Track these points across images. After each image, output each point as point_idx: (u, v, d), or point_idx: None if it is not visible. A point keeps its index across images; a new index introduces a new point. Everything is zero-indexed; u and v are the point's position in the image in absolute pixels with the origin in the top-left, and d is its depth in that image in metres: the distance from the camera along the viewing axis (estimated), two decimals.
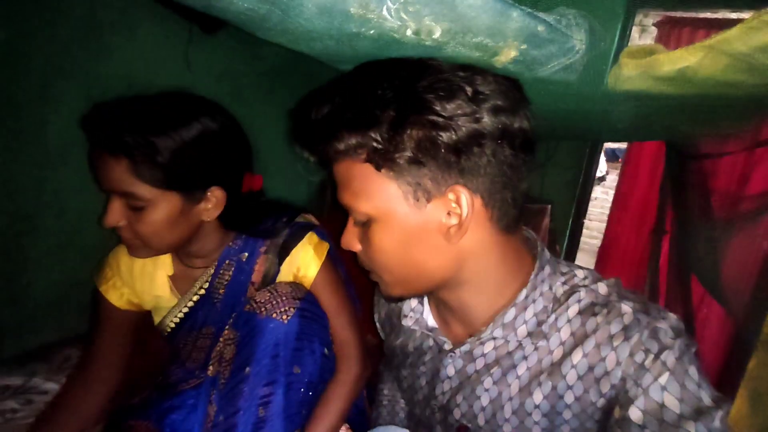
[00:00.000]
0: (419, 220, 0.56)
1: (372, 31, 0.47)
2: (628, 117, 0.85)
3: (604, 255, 1.98)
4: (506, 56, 0.52)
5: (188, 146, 0.77)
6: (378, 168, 0.54)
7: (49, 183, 1.01)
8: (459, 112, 0.51)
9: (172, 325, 0.93)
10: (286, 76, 1.46)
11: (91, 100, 1.02)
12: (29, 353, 1.11)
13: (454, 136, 0.51)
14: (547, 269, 0.65)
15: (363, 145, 0.53)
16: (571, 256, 1.94)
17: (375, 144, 0.52)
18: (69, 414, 0.89)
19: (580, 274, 0.66)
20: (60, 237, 1.06)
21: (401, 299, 0.64)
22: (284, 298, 0.81)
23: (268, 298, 0.81)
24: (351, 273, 1.06)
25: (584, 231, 2.27)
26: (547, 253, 0.67)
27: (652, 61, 0.51)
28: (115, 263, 0.92)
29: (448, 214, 0.56)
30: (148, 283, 0.92)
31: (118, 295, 0.91)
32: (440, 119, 0.50)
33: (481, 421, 0.65)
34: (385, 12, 0.43)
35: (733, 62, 0.48)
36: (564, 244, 1.97)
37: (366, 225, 0.59)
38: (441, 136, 0.51)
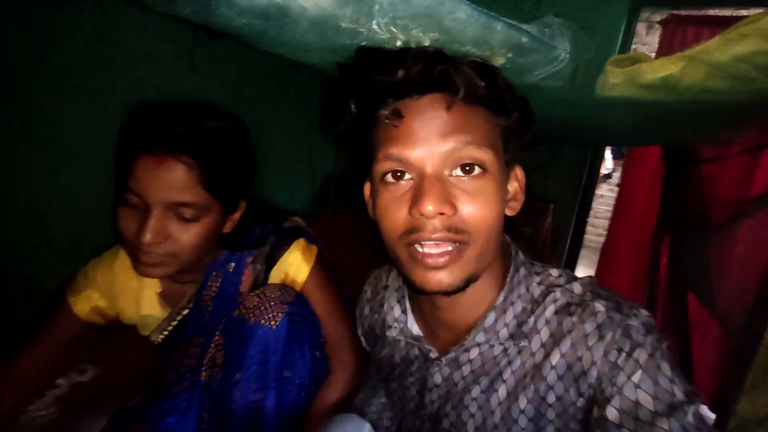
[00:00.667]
0: (505, 186, 0.61)
1: (364, 43, 0.49)
2: (623, 123, 0.86)
3: (606, 253, 1.97)
4: (494, 63, 0.54)
5: (238, 154, 0.78)
6: (496, 122, 0.58)
7: (61, 183, 1.04)
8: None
9: (162, 337, 0.93)
10: (292, 80, 1.48)
11: (99, 103, 1.05)
12: None
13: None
14: (522, 271, 0.66)
15: (493, 89, 0.55)
16: (573, 255, 1.94)
17: (501, 93, 0.56)
18: None
19: (554, 273, 0.67)
20: (72, 236, 1.09)
21: (462, 288, 0.59)
22: (273, 303, 0.81)
23: (256, 303, 0.81)
24: (346, 272, 1.07)
25: (590, 228, 2.27)
26: (521, 256, 0.68)
27: (635, 69, 0.53)
28: (92, 276, 0.90)
29: (509, 189, 0.62)
30: (133, 302, 0.91)
31: (87, 307, 0.89)
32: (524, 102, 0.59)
33: (470, 429, 0.65)
34: (374, 26, 0.45)
35: (713, 71, 0.49)
36: (567, 242, 1.97)
37: (474, 178, 0.56)
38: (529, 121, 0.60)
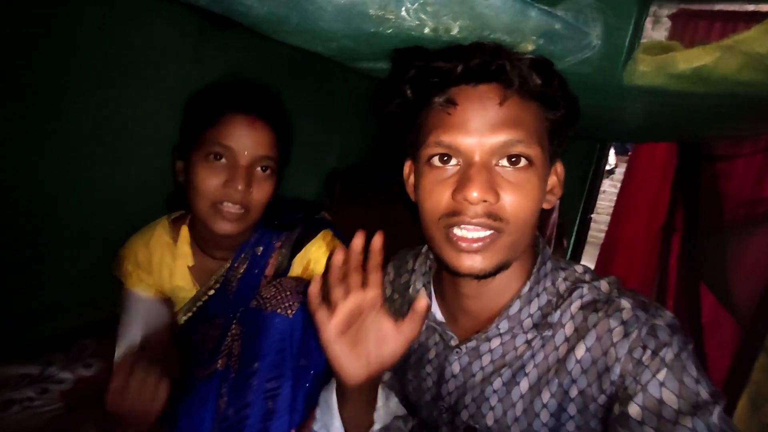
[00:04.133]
0: (545, 180, 0.62)
1: (390, 30, 0.47)
2: (642, 115, 0.85)
3: (606, 250, 1.96)
4: (523, 50, 0.53)
5: (291, 126, 0.91)
6: (547, 117, 0.59)
7: (68, 179, 1.03)
8: None
9: (190, 314, 0.94)
10: (298, 72, 1.46)
11: (107, 96, 1.03)
12: (46, 343, 1.13)
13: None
14: (549, 264, 0.67)
15: (548, 87, 0.56)
16: (578, 250, 1.94)
17: (553, 93, 0.57)
18: None
19: (579, 269, 0.68)
20: (79, 231, 1.08)
21: (493, 273, 0.60)
22: (289, 293, 0.82)
23: (273, 293, 0.82)
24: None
25: (593, 224, 2.26)
26: (548, 250, 0.68)
27: (668, 58, 0.51)
28: (133, 256, 0.93)
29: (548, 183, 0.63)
30: (167, 275, 0.93)
31: (145, 286, 0.93)
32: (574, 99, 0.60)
33: (489, 421, 0.65)
34: (403, 12, 0.43)
35: (749, 62, 0.48)
36: (572, 238, 1.97)
37: (520, 170, 0.58)
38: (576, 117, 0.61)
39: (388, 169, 0.69)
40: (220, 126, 0.79)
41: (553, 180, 0.66)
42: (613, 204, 2.07)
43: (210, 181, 0.80)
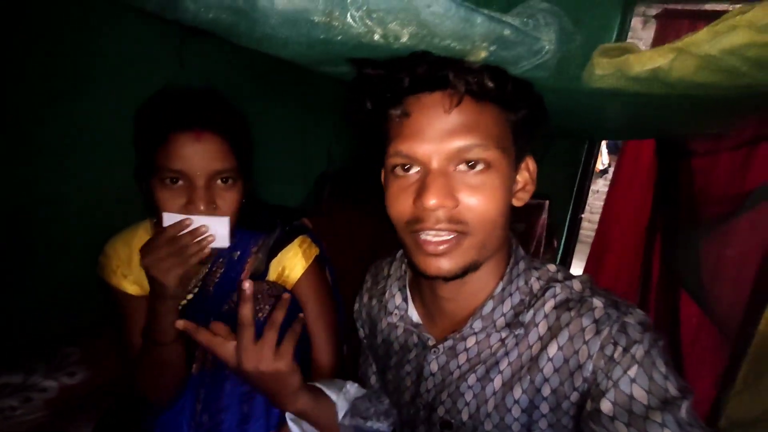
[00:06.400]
0: (512, 180, 0.62)
1: (339, 37, 0.47)
2: (616, 115, 0.84)
3: (596, 250, 1.96)
4: (476, 57, 0.52)
5: (247, 128, 0.87)
6: (507, 119, 0.60)
7: (49, 185, 1.03)
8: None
9: None
10: (284, 77, 1.47)
11: (88, 101, 1.03)
12: (29, 351, 1.13)
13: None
14: (522, 264, 0.68)
15: (502, 90, 0.57)
16: (568, 251, 1.93)
17: (510, 95, 0.57)
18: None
19: (552, 269, 0.69)
20: (61, 237, 1.08)
21: (461, 274, 0.62)
22: (260, 296, 0.83)
23: None
24: (339, 268, 1.07)
25: (585, 224, 2.26)
26: (521, 250, 0.70)
27: (623, 60, 0.51)
28: (115, 255, 0.93)
29: (517, 180, 0.64)
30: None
31: (129, 283, 0.92)
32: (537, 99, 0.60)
33: (464, 416, 0.67)
34: (349, 19, 0.43)
35: (703, 64, 0.47)
36: (562, 239, 1.96)
37: (479, 173, 0.59)
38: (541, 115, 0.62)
39: (376, 172, 0.70)
40: (167, 148, 0.77)
41: (524, 177, 0.67)
42: None
43: (172, 204, 0.78)
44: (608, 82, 0.55)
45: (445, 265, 0.60)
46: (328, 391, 0.75)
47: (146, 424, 0.87)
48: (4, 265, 1.03)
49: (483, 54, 0.50)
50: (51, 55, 0.97)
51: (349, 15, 0.43)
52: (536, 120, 0.64)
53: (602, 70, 0.52)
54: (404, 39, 0.47)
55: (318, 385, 0.76)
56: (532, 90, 0.61)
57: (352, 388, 0.79)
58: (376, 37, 0.47)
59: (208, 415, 0.81)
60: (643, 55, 0.49)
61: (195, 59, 1.23)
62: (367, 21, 0.44)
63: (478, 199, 0.58)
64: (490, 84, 0.55)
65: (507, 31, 0.45)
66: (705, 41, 0.45)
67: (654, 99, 0.61)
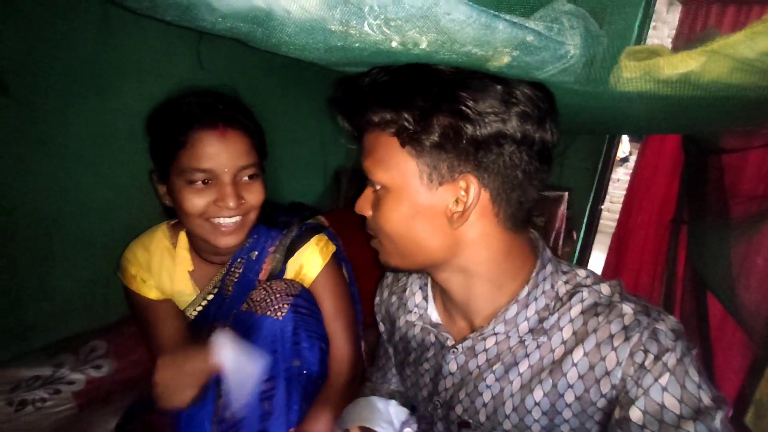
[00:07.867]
0: (428, 199, 0.60)
1: (356, 44, 0.46)
2: (641, 114, 0.81)
3: (617, 240, 1.91)
4: (499, 62, 0.51)
5: (260, 126, 0.88)
6: (402, 145, 0.58)
7: (71, 185, 1.05)
8: (489, 110, 0.55)
9: (191, 318, 0.96)
10: (301, 74, 1.46)
11: (108, 101, 1.04)
12: (57, 345, 1.16)
13: (478, 131, 0.55)
14: (549, 268, 0.66)
15: (394, 122, 0.58)
16: (587, 243, 1.90)
17: (405, 123, 0.57)
18: None
19: (581, 273, 0.66)
20: (83, 236, 1.10)
21: (397, 270, 0.67)
22: (278, 296, 0.83)
23: (263, 296, 0.83)
24: (356, 265, 1.07)
25: (606, 214, 2.21)
26: (549, 253, 0.68)
27: (653, 64, 0.49)
28: (134, 259, 0.94)
29: (456, 201, 0.59)
30: (168, 279, 0.95)
31: (149, 288, 0.94)
32: (469, 112, 0.54)
33: (482, 417, 0.66)
34: (366, 28, 0.42)
35: (739, 66, 0.45)
36: (581, 231, 1.93)
37: (380, 193, 0.63)
38: (466, 128, 0.55)
39: None
40: (191, 148, 0.77)
41: (456, 194, 0.60)
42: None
43: (198, 202, 0.79)
44: (636, 86, 0.53)
45: (383, 259, 0.70)
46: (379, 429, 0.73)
47: (170, 418, 0.89)
48: (29, 263, 1.05)
49: (506, 59, 0.48)
50: (71, 56, 0.98)
51: (366, 24, 0.42)
52: (454, 142, 0.59)
53: (630, 73, 0.50)
54: (423, 45, 0.46)
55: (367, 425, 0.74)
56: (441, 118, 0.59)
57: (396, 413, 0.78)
58: (394, 44, 0.46)
59: (230, 411, 0.83)
60: (673, 58, 0.47)
61: (212, 56, 1.23)
62: (385, 29, 0.43)
63: (377, 215, 0.65)
64: (387, 116, 0.59)
65: (530, 37, 0.44)
66: (741, 43, 0.43)
67: (684, 99, 0.59)
